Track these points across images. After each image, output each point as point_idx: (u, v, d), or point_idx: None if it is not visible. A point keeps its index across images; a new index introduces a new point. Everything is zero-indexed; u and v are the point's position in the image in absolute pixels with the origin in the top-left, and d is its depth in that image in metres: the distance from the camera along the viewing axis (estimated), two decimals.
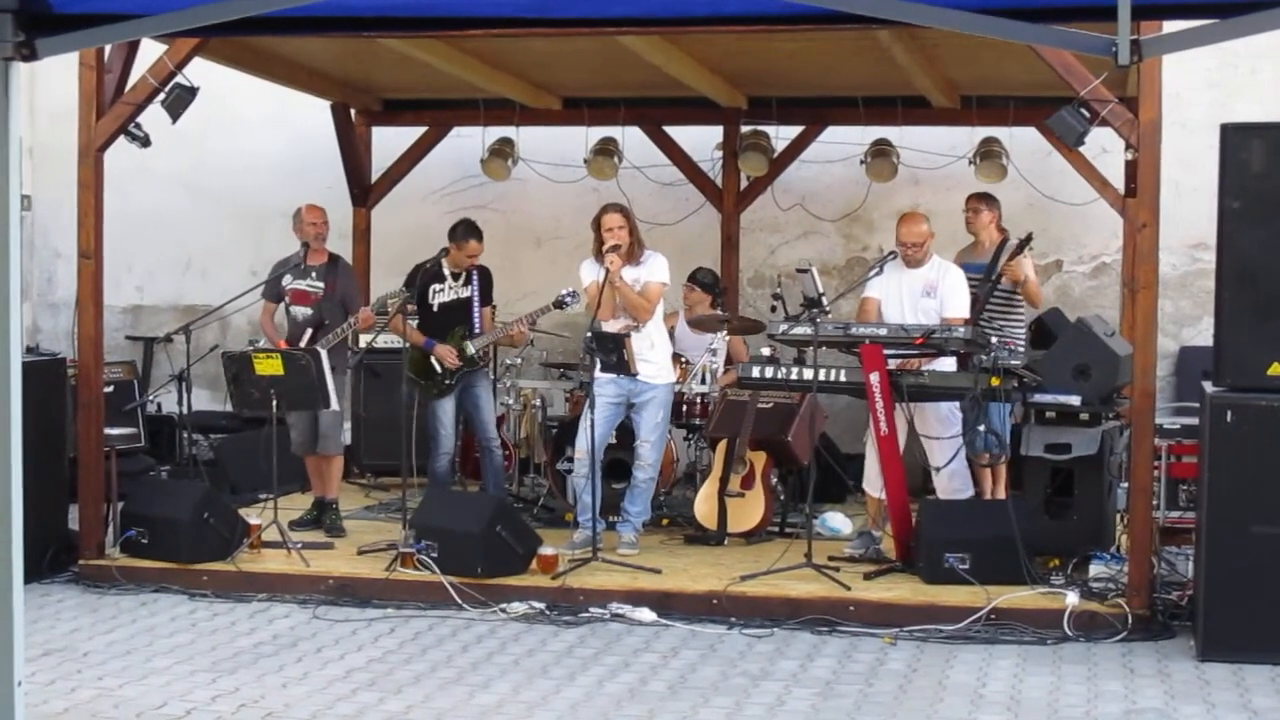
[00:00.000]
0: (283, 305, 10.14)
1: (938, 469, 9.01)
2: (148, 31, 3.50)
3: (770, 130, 12.10)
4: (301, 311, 9.99)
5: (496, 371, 11.22)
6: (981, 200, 10.34)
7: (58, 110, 11.60)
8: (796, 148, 12.24)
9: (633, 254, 9.26)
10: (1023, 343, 10.11)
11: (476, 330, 10.14)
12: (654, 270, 9.34)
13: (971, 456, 9.10)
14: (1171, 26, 3.41)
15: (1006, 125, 11.43)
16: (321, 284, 10.00)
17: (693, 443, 10.68)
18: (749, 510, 9.72)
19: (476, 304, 10.17)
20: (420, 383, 10.03)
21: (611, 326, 9.25)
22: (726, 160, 12.32)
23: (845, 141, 11.94)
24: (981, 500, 9.35)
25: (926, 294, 9.17)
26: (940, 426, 9.00)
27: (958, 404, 8.90)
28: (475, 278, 10.19)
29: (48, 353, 10.13)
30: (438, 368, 10.07)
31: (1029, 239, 9.94)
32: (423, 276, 10.01)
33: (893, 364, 8.97)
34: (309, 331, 9.86)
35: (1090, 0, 3.04)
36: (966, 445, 8.80)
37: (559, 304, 9.96)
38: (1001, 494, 9.46)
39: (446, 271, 10.14)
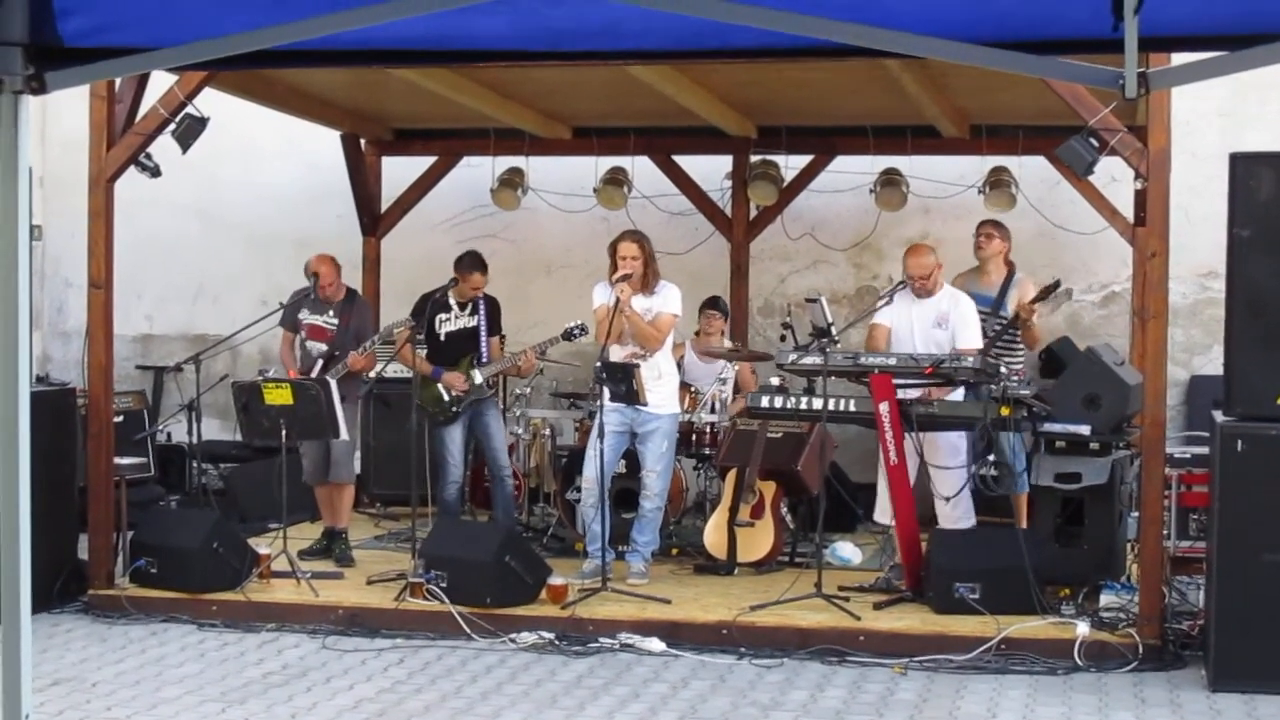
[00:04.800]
0: (299, 337, 10.15)
1: (945, 499, 9.00)
2: (157, 65, 3.52)
3: (780, 159, 12.11)
4: (317, 347, 9.97)
5: (506, 401, 11.22)
6: (995, 227, 10.16)
7: (69, 140, 11.63)
8: (806, 177, 12.25)
9: (646, 283, 9.27)
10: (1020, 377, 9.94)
11: (484, 359, 10.17)
12: (667, 301, 9.35)
13: (1011, 495, 9.11)
14: (1181, 58, 3.41)
15: (1016, 154, 11.44)
16: (337, 321, 9.99)
17: (702, 472, 10.68)
18: (759, 540, 9.71)
19: (484, 332, 10.21)
20: (429, 410, 10.04)
21: (617, 352, 9.26)
22: (736, 189, 12.33)
23: (855, 171, 11.95)
24: (991, 529, 9.32)
25: (938, 324, 9.15)
26: (949, 456, 8.99)
27: (965, 433, 8.89)
28: (482, 307, 10.23)
29: (58, 382, 10.16)
30: (445, 395, 10.08)
31: (1056, 286, 9.83)
32: (430, 306, 10.03)
33: (912, 396, 8.94)
34: (320, 364, 9.87)
35: (1098, 32, 3.04)
36: (1005, 485, 8.78)
37: (568, 335, 9.97)
38: (1023, 525, 9.42)
39: (453, 301, 10.18)
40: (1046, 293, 9.72)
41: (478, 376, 10.09)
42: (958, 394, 9.15)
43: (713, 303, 11.26)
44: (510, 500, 10.42)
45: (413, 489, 9.37)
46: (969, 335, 9.14)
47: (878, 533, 10.01)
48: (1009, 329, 9.79)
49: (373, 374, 10.30)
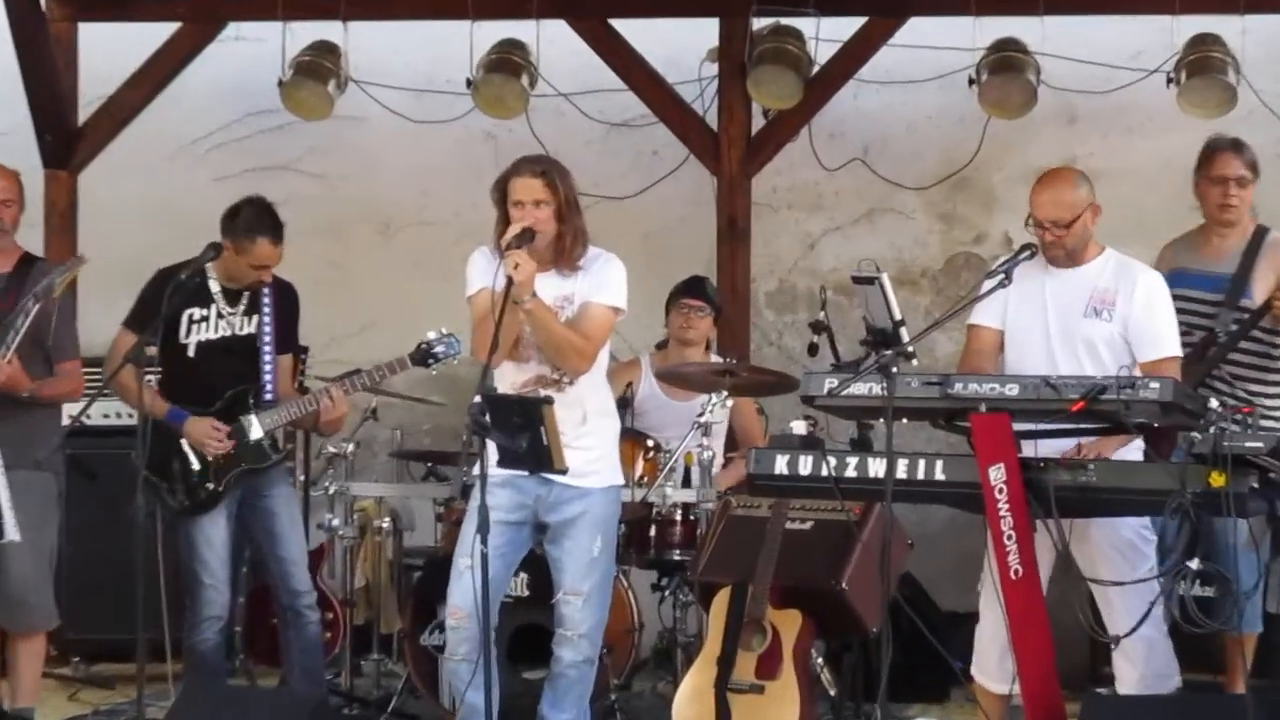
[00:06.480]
0: None
1: (1117, 639, 8.95)
2: None
3: (806, 25, 12.09)
4: None
5: (308, 468, 11.14)
6: (1243, 161, 10.10)
7: None
8: (853, 58, 12.24)
9: (564, 251, 9.16)
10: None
11: (268, 394, 10.09)
12: (601, 284, 9.21)
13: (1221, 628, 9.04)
14: None
15: (1236, 12, 11.46)
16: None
17: (670, 594, 10.68)
18: (773, 716, 9.68)
19: (269, 349, 10.12)
20: (165, 487, 9.96)
21: (513, 375, 9.17)
22: (726, 82, 12.34)
23: (941, 45, 12.03)
24: (1197, 697, 9.32)
25: (1095, 313, 9.04)
26: (1122, 562, 8.93)
27: (1147, 521, 8.87)
28: (268, 303, 10.14)
29: None
30: (194, 460, 10.02)
31: None
32: (172, 296, 9.83)
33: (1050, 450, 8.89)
34: None
35: None
36: (1220, 615, 8.75)
37: (423, 357, 9.92)
38: (1239, 685, 9.41)
39: (215, 288, 10.10)
40: None
41: (255, 428, 10.02)
42: (1135, 449, 9.08)
43: (691, 288, 11.24)
44: (316, 648, 10.41)
45: (138, 630, 9.25)
46: (1159, 336, 9.03)
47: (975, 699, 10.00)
48: (1252, 328, 9.77)
49: (65, 415, 10.23)
